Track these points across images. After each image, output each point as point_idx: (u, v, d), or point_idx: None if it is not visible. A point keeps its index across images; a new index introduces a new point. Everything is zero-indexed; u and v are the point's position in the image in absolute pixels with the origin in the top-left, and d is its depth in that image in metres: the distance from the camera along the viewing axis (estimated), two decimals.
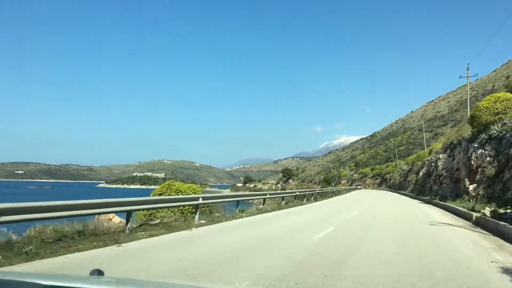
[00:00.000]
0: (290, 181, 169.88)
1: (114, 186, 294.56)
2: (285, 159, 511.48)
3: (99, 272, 2.00)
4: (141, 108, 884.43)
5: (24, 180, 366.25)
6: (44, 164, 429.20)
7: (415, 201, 34.07)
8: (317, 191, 41.24)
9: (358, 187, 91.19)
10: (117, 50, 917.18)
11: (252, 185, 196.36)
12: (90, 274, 1.98)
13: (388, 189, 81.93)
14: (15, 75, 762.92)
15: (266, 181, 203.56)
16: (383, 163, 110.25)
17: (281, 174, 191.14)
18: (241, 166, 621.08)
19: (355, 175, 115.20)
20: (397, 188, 68.38)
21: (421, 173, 43.28)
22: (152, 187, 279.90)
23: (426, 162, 42.51)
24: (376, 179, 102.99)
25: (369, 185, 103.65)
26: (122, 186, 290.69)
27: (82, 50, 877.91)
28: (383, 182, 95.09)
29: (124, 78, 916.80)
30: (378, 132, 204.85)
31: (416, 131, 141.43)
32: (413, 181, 50.17)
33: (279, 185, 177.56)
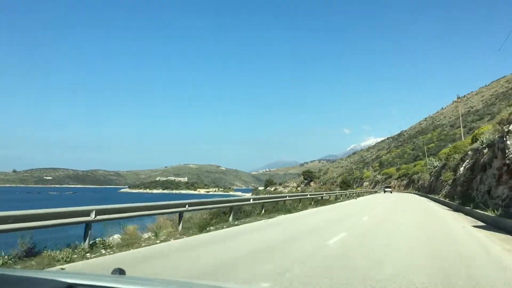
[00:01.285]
0: (311, 183, 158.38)
1: (136, 190, 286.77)
2: (312, 161, 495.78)
3: (121, 271, 2.01)
4: (167, 113, 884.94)
5: (52, 186, 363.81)
6: (72, 170, 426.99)
7: (462, 220, 18.19)
8: (308, 196, 29.42)
9: (387, 190, 77.26)
10: (142, 56, 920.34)
11: (272, 188, 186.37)
12: (112, 273, 2.00)
13: (416, 192, 67.51)
14: (43, 82, 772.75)
15: (287, 184, 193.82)
16: (410, 162, 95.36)
17: (302, 177, 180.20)
18: (267, 170, 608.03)
19: (379, 176, 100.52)
20: (427, 191, 54.13)
21: (462, 169, 29.13)
22: (174, 191, 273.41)
23: (469, 153, 28.44)
24: (402, 180, 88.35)
25: (394, 187, 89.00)
26: (145, 191, 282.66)
27: (110, 57, 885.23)
28: (410, 184, 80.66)
29: (151, 83, 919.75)
30: (405, 131, 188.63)
31: (447, 127, 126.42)
32: (449, 181, 35.95)
33: (299, 188, 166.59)
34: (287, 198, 26.01)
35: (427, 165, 71.35)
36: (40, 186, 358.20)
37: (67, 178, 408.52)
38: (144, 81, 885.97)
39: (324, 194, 36.74)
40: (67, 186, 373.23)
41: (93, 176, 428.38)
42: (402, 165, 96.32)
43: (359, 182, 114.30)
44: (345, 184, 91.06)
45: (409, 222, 16.79)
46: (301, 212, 23.48)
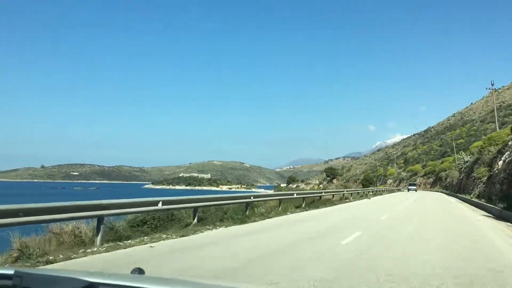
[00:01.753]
0: (334, 181, 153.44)
1: (159, 187, 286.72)
2: (336, 159, 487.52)
3: (140, 271, 2.01)
4: (192, 109, 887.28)
5: (78, 181, 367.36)
6: (98, 166, 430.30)
7: None
8: (295, 196, 23.46)
9: (411, 188, 68.81)
10: (166, 52, 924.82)
11: (294, 186, 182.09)
12: (131, 273, 2.00)
13: (443, 190, 61.71)
14: (72, 78, 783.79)
15: (309, 181, 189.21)
16: (437, 159, 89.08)
17: (324, 174, 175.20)
18: (291, 167, 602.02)
19: (403, 174, 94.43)
20: (456, 189, 48.58)
21: (500, 163, 23.86)
22: (197, 188, 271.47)
23: (511, 143, 23.16)
24: (429, 177, 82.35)
25: (419, 185, 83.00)
26: (168, 187, 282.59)
27: (136, 55, 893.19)
28: (437, 182, 74.76)
29: (175, 81, 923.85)
30: (432, 127, 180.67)
31: (477, 122, 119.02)
32: (483, 178, 30.57)
33: (321, 185, 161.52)
34: (252, 199, 17.64)
35: (455, 162, 65.47)
36: (67, 181, 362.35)
37: (93, 173, 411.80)
38: (171, 79, 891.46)
39: (323, 193, 30.58)
40: (93, 181, 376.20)
41: (118, 172, 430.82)
42: (429, 162, 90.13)
43: (382, 179, 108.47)
44: (367, 182, 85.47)
45: (432, 246, 9.75)
46: (253, 224, 14.59)
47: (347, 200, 32.58)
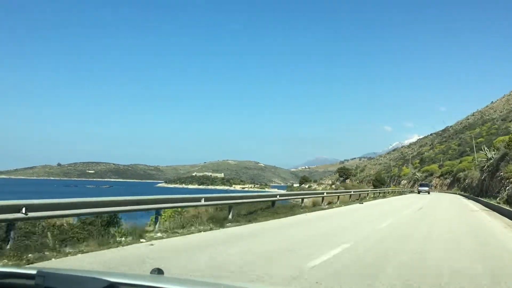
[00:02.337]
0: (347, 181, 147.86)
1: (172, 185, 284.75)
2: (352, 159, 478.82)
3: (159, 271, 2.04)
4: (209, 109, 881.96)
5: (93, 179, 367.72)
6: (114, 164, 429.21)
7: None
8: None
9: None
10: (183, 51, 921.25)
11: (307, 186, 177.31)
12: (150, 273, 2.02)
13: (462, 192, 55.16)
14: (87, 77, 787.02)
15: (322, 182, 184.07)
16: (455, 159, 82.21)
17: (337, 174, 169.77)
18: (307, 167, 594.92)
19: (418, 174, 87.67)
20: (476, 192, 42.26)
21: None
22: (209, 187, 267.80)
23: None
24: (446, 178, 75.69)
25: (435, 187, 76.32)
26: (180, 186, 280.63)
27: (149, 53, 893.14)
28: (455, 183, 68.16)
29: (191, 79, 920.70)
30: (451, 126, 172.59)
31: (498, 121, 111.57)
32: None
33: (334, 185, 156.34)
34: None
35: (475, 161, 58.86)
36: (83, 179, 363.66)
37: (108, 172, 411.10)
38: (188, 78, 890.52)
39: (296, 198, 24.09)
40: (108, 179, 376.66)
41: (133, 171, 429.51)
42: (446, 162, 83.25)
43: (396, 180, 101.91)
44: (379, 182, 79.26)
45: None
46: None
47: (333, 206, 25.48)
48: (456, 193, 58.03)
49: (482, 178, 41.06)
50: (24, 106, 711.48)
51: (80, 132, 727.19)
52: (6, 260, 6.78)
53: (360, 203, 28.46)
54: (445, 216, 20.41)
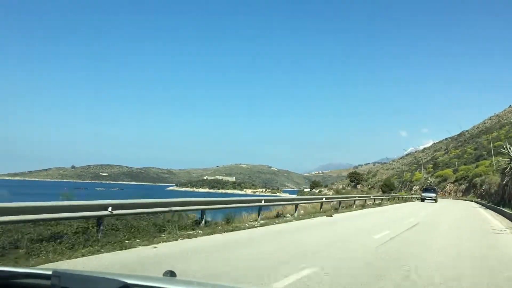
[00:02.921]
0: (359, 186, 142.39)
1: (183, 189, 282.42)
2: (366, 164, 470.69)
3: (172, 273, 2.07)
4: (222, 112, 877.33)
5: (106, 182, 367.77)
6: (127, 167, 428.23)
7: None
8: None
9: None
10: (196, 55, 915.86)
11: (317, 191, 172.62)
12: (163, 275, 2.05)
13: (478, 200, 49.31)
14: (101, 78, 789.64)
15: (332, 186, 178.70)
16: (471, 163, 75.91)
17: (348, 179, 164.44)
18: (320, 172, 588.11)
19: (431, 179, 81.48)
20: (496, 199, 36.51)
21: None
22: (220, 191, 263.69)
23: None
24: (460, 184, 69.52)
25: (449, 193, 70.28)
26: (191, 189, 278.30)
27: (166, 57, 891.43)
28: (471, 189, 62.18)
29: (206, 82, 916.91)
30: (467, 131, 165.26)
31: None
32: None
33: (344, 190, 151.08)
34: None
35: (493, 165, 52.97)
36: (96, 181, 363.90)
37: (121, 174, 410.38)
38: (201, 81, 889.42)
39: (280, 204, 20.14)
40: (121, 182, 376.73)
41: (146, 174, 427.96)
42: (461, 166, 76.95)
43: (408, 185, 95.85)
44: (387, 187, 73.59)
45: None
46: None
47: (301, 216, 19.38)
48: (472, 200, 52.19)
49: (504, 183, 35.23)
50: (39, 108, 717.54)
51: (94, 134, 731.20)
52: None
53: (328, 216, 20.09)
54: (447, 245, 11.45)
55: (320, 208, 23.27)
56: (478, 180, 58.90)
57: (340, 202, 27.04)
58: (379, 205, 36.36)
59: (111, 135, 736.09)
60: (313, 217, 19.10)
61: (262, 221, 15.29)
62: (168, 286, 1.67)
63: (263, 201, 16.57)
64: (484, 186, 52.48)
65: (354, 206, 28.84)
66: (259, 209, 16.65)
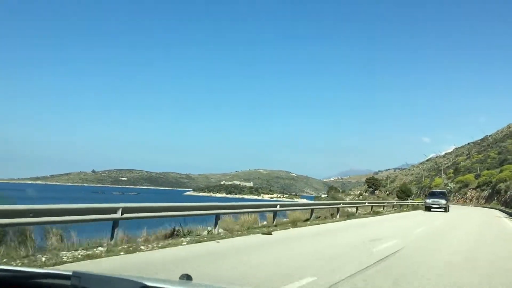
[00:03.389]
0: (376, 192, 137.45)
1: (200, 194, 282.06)
2: (386, 170, 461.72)
3: (188, 277, 2.09)
4: (242, 117, 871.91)
5: (126, 186, 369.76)
6: (146, 172, 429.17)
7: None
8: None
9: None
10: (215, 59, 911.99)
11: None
12: (179, 278, 2.08)
13: (502, 207, 44.34)
14: (122, 84, 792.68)
15: (350, 193, 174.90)
16: (494, 168, 70.40)
17: (366, 185, 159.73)
18: (340, 177, 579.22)
19: (451, 185, 76.19)
20: None
21: None
22: (237, 196, 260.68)
23: None
24: (483, 190, 64.11)
25: (470, 200, 65.05)
26: (208, 194, 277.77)
27: (180, 61, 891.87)
28: (494, 195, 57.01)
29: (226, 88, 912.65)
30: (490, 135, 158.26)
31: None
32: None
33: (361, 196, 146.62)
34: None
35: None
36: (116, 186, 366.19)
37: (141, 179, 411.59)
38: (223, 88, 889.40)
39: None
40: (140, 187, 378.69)
41: (165, 178, 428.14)
42: (484, 171, 71.43)
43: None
44: (404, 193, 68.62)
45: None
46: None
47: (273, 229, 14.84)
48: (495, 208, 47.11)
49: None
50: (62, 113, 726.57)
51: (115, 139, 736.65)
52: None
53: (265, 234, 13.24)
54: None
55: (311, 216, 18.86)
56: (502, 185, 53.84)
57: (312, 211, 21.00)
58: (377, 213, 30.88)
59: (131, 140, 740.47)
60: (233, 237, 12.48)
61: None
62: None
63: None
64: (509, 192, 47.48)
65: (338, 216, 22.97)
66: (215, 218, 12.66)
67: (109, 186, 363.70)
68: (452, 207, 43.13)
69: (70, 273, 1.67)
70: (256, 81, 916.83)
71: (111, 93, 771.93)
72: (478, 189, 66.47)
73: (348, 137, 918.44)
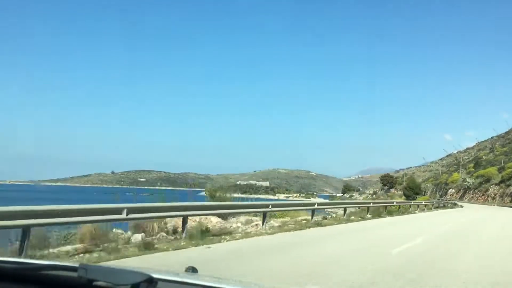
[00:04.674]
0: (393, 190, 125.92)
1: None
2: (408, 168, 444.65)
3: (193, 269, 2.09)
4: (260, 116, 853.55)
5: (144, 187, 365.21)
6: (165, 172, 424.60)
7: None
8: None
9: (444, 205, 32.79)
10: (231, 59, 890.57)
11: (348, 195, 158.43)
12: (185, 271, 2.08)
13: None
14: (144, 86, 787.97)
15: (365, 191, 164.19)
16: None
17: (381, 183, 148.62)
18: (360, 176, 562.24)
19: (469, 180, 63.57)
20: None
21: None
22: (252, 196, 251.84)
23: None
24: (508, 185, 51.59)
25: (493, 197, 52.79)
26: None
27: (199, 61, 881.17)
28: None
29: (244, 88, 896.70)
30: None
31: None
32: None
33: (375, 195, 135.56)
34: None
35: None
36: (134, 187, 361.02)
37: (159, 180, 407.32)
38: (239, 88, 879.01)
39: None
40: (158, 188, 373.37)
41: (183, 179, 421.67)
42: (509, 163, 58.71)
43: (443, 189, 77.82)
44: (412, 191, 56.50)
45: None
46: None
47: None
48: None
49: None
50: (82, 115, 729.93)
51: (135, 140, 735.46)
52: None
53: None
54: None
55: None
56: None
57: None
58: (363, 219, 20.38)
59: (150, 141, 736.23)
60: None
61: None
62: (191, 281, 1.66)
63: None
64: None
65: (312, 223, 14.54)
66: None
67: (128, 187, 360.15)
68: (469, 207, 32.78)
69: (77, 265, 1.66)
70: (274, 82, 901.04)
71: (128, 94, 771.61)
72: (502, 185, 53.94)
73: (369, 135, 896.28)
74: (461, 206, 43.73)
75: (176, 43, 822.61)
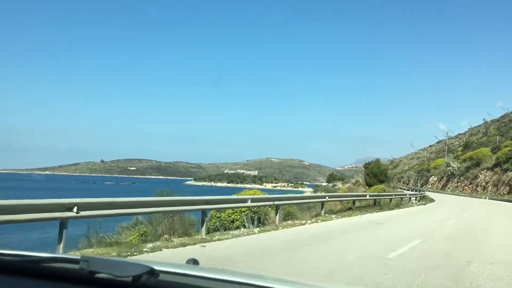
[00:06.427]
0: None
1: (201, 183, 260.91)
2: (404, 157, 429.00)
3: (195, 261, 2.07)
4: (254, 106, 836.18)
5: (134, 176, 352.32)
6: (155, 161, 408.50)
7: None
8: None
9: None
10: (231, 50, 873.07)
11: (331, 185, 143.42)
12: (186, 263, 2.06)
13: None
14: (132, 73, 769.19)
15: (347, 181, 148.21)
16: None
17: (364, 171, 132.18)
18: (353, 166, 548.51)
19: (454, 165, 48.27)
20: None
21: None
22: (238, 185, 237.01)
23: None
24: (505, 170, 36.54)
25: (484, 187, 37.69)
26: (209, 184, 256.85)
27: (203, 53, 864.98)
28: None
29: (237, 77, 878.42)
30: (511, 112, 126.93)
31: None
32: None
33: (355, 184, 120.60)
34: None
35: None
36: (124, 176, 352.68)
37: (149, 169, 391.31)
38: (237, 76, 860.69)
39: None
40: (149, 176, 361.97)
41: (174, 168, 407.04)
42: (505, 142, 43.34)
43: (424, 176, 62.62)
44: (375, 178, 41.96)
45: None
46: None
47: None
48: None
49: None
50: (71, 103, 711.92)
51: (124, 129, 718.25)
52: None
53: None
54: None
55: None
56: None
57: None
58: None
59: (141, 130, 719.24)
60: None
61: None
62: (193, 273, 1.62)
63: None
64: None
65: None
66: None
67: (117, 176, 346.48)
68: (449, 199, 26.36)
69: (79, 257, 1.63)
70: (267, 72, 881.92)
71: (120, 83, 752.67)
72: (497, 169, 38.88)
73: (365, 125, 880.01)
74: (433, 201, 29.00)
75: (170, 31, 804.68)
